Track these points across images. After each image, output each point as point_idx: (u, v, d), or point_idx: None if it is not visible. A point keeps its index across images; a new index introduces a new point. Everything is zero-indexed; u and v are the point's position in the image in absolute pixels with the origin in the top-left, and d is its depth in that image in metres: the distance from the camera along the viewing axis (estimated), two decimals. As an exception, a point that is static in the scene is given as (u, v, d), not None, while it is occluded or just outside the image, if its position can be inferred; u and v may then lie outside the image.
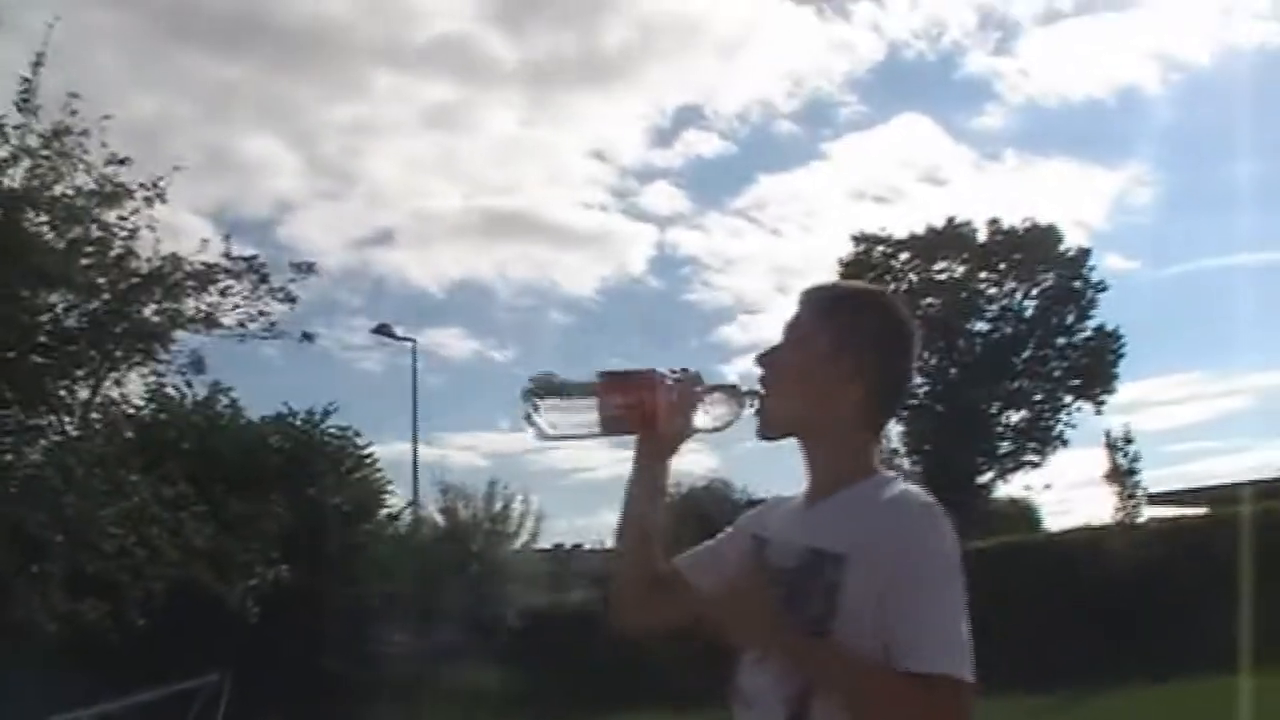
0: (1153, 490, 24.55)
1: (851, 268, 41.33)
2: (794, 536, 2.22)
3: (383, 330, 29.92)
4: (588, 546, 34.07)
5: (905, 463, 36.42)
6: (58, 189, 15.70)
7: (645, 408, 2.34)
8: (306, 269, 17.37)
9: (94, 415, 16.60)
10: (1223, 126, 50.85)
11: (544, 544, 29.19)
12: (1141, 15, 58.22)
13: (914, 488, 2.21)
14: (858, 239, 42.03)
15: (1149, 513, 21.93)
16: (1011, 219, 41.23)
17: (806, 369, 2.28)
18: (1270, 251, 43.69)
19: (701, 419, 2.40)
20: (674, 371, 2.39)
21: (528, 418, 2.36)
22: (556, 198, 60.71)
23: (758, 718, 2.19)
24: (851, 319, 2.29)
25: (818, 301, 2.36)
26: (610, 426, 2.35)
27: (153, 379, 18.23)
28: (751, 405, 2.36)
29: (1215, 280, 52.59)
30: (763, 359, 2.38)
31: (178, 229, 16.94)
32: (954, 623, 2.04)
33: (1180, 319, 52.46)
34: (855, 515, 2.15)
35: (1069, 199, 58.69)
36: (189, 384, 18.84)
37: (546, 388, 2.37)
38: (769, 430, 2.34)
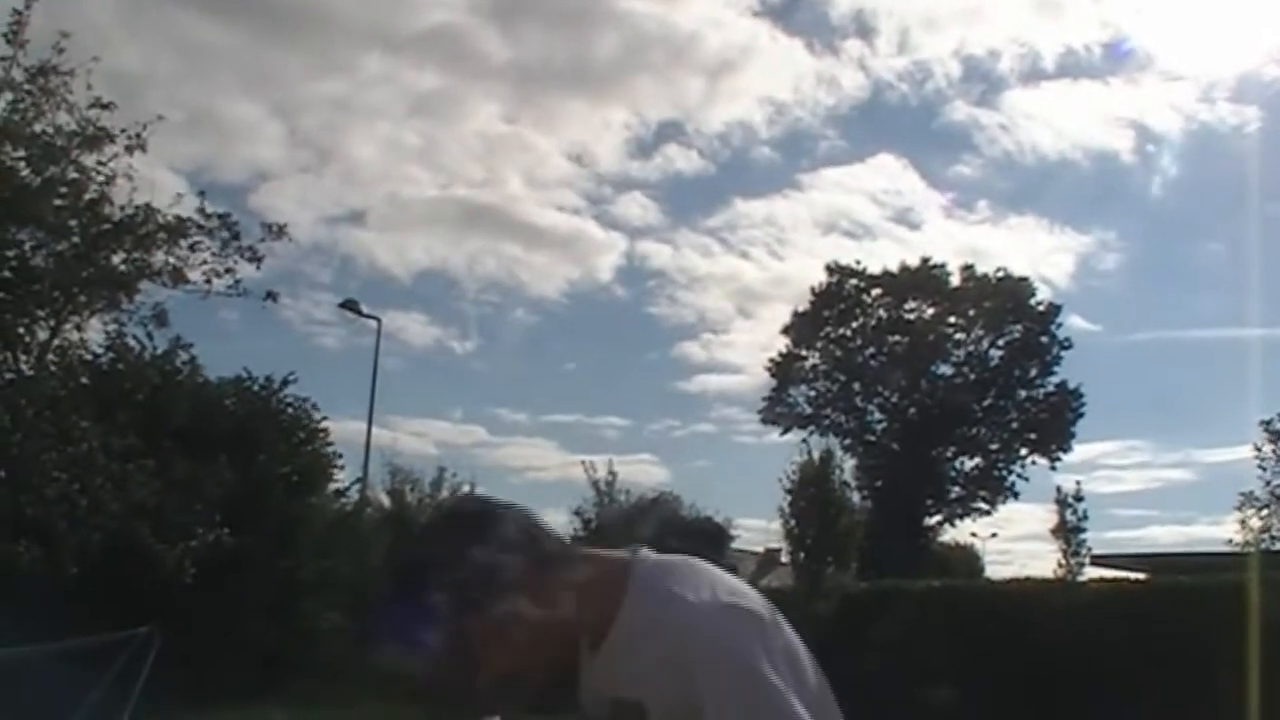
0: (1095, 551, 24.67)
1: (823, 297, 41.46)
2: (593, 685, 2.08)
3: (349, 305, 29.84)
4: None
5: (855, 497, 36.33)
6: (38, 126, 15.59)
7: None
8: (278, 231, 17.32)
9: (50, 357, 16.46)
10: (1192, 203, 51.59)
11: (486, 537, 29.09)
12: (1121, 86, 58.87)
13: (671, 601, 1.96)
14: (831, 269, 42.11)
15: (1090, 573, 22.00)
16: (985, 267, 41.45)
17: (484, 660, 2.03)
18: (1228, 329, 44.13)
19: None
20: None
21: None
22: (531, 197, 61.11)
23: None
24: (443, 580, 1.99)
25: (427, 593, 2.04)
26: None
27: (114, 327, 18.17)
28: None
29: (1173, 353, 53.33)
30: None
31: (153, 183, 16.81)
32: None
33: (1136, 387, 53.02)
34: (633, 659, 1.96)
35: (1036, 255, 59.17)
36: (150, 336, 18.77)
37: None
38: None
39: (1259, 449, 18.63)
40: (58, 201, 15.66)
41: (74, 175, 15.84)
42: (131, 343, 19.32)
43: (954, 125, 54.02)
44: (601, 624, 2.01)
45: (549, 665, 2.07)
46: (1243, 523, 18.80)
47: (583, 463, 29.09)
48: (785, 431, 40.89)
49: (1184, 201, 52.44)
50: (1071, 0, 59.31)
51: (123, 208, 16.09)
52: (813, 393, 41.91)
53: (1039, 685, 17.21)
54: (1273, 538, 18.49)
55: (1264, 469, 18.58)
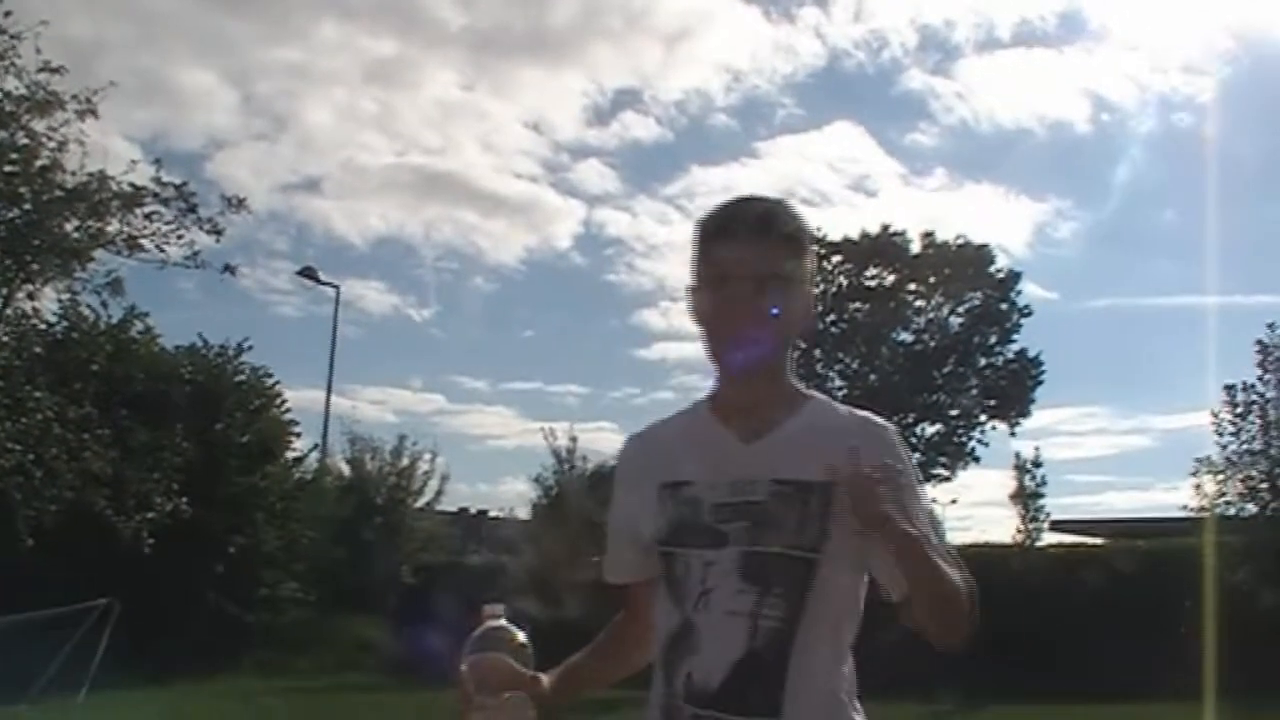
0: (1054, 517, 24.87)
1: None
2: (746, 472, 2.15)
3: (307, 273, 29.62)
4: (493, 514, 34.01)
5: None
6: (-14, 91, 15.37)
7: None
8: (237, 204, 17.18)
9: (2, 326, 16.26)
10: (1147, 172, 51.65)
11: (447, 506, 29.04)
12: (1076, 55, 58.70)
13: (853, 409, 2.28)
14: (792, 236, 42.08)
15: (1049, 538, 22.18)
16: (946, 234, 41.54)
17: (807, 303, 2.27)
18: (1184, 296, 44.40)
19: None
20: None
21: None
22: (488, 164, 60.39)
23: (709, 658, 2.10)
24: (807, 237, 2.25)
25: (790, 228, 2.21)
26: None
27: (68, 296, 17.93)
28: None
29: (1129, 320, 53.48)
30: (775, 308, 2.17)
31: (106, 150, 16.64)
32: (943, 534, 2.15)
33: (1093, 354, 53.19)
34: (822, 444, 2.10)
35: (993, 223, 59.33)
36: (104, 305, 18.55)
37: None
38: (754, 372, 2.21)
39: (1216, 415, 18.72)
40: (8, 167, 15.45)
41: (24, 141, 15.62)
42: (86, 312, 19.10)
43: (911, 93, 53.92)
44: (782, 411, 2.22)
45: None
46: (1198, 488, 18.91)
47: (543, 430, 29.18)
48: (746, 398, 41.03)
49: (1139, 170, 52.54)
50: (1025, -32, 59.34)
51: (75, 174, 15.91)
52: (773, 360, 42.01)
53: (998, 649, 17.28)
54: (1228, 503, 18.61)
55: (1220, 434, 18.67)
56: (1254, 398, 18.65)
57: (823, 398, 2.30)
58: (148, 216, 16.33)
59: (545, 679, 2.20)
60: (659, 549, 2.19)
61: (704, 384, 2.29)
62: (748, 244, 2.16)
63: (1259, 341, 18.65)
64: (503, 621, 2.19)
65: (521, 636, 2.19)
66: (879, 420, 2.24)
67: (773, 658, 2.07)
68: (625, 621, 2.39)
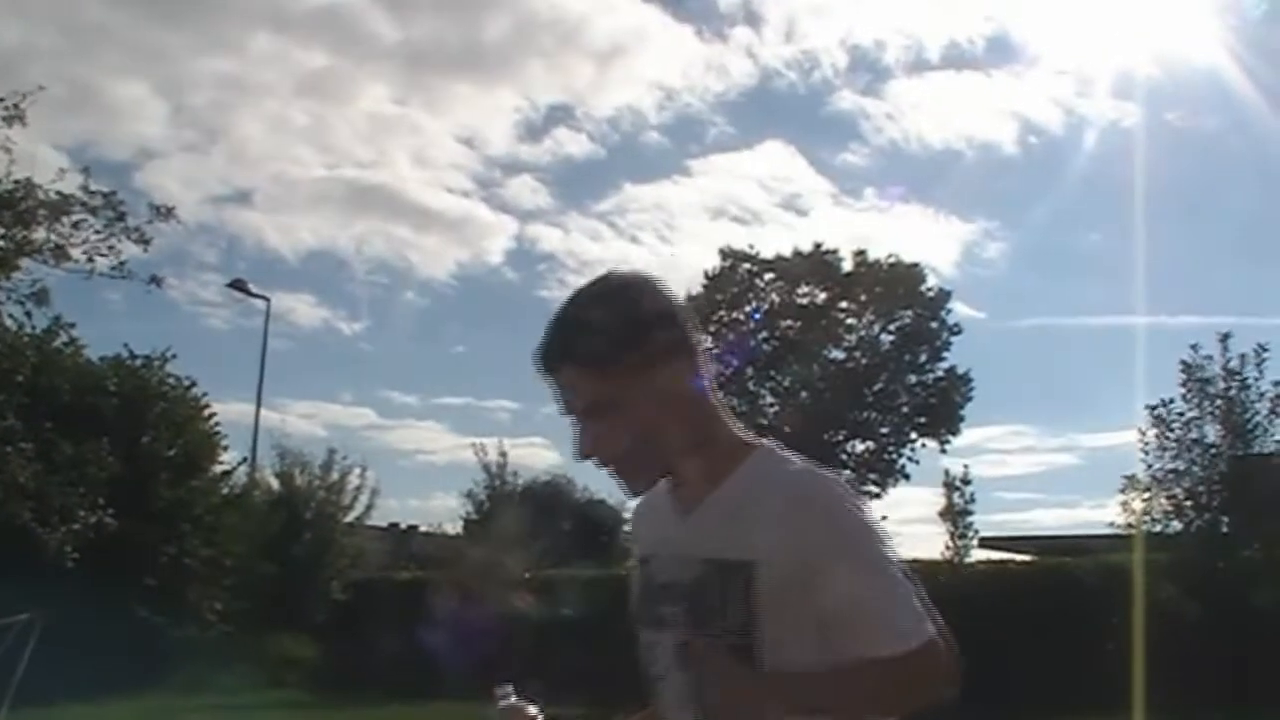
0: (983, 534, 25.10)
1: (716, 281, 41.60)
2: (680, 548, 2.01)
3: (238, 285, 29.37)
4: (423, 529, 33.84)
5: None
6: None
7: None
8: (166, 212, 17.05)
9: (-76, 335, 16.02)
10: (1073, 194, 52.41)
11: (377, 521, 28.82)
12: (1004, 78, 59.78)
13: (795, 463, 2.01)
14: (724, 254, 42.22)
15: (978, 554, 22.36)
16: (876, 253, 41.88)
17: (628, 419, 1.96)
18: (1110, 317, 44.96)
19: None
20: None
21: None
22: (420, 179, 60.30)
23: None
24: (624, 333, 1.96)
25: (580, 349, 1.97)
26: None
27: (-10, 306, 17.70)
28: None
29: (1057, 340, 54.26)
30: (594, 450, 2.02)
31: (34, 157, 16.45)
32: (903, 587, 1.97)
33: (1020, 373, 53.93)
34: (746, 515, 1.94)
35: (921, 243, 59.90)
36: (29, 315, 18.29)
37: None
38: (642, 490, 2.11)
39: (1143, 433, 18.98)
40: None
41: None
42: (9, 322, 18.80)
43: (841, 114, 54.51)
44: (707, 483, 2.01)
45: (654, 460, 2.03)
46: (1124, 505, 19.15)
47: (474, 445, 29.21)
48: (678, 415, 41.10)
49: (1066, 192, 53.36)
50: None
51: (1, 181, 15.71)
52: (705, 376, 42.09)
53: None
54: (1153, 520, 18.86)
55: (1146, 453, 18.93)
56: (1176, 416, 18.91)
57: (767, 449, 2.05)
58: (75, 225, 16.16)
59: None
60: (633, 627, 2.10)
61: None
62: (551, 382, 2.01)
63: (1183, 362, 18.93)
64: (514, 700, 2.17)
65: (533, 711, 2.17)
66: (816, 480, 1.98)
67: None
68: None
